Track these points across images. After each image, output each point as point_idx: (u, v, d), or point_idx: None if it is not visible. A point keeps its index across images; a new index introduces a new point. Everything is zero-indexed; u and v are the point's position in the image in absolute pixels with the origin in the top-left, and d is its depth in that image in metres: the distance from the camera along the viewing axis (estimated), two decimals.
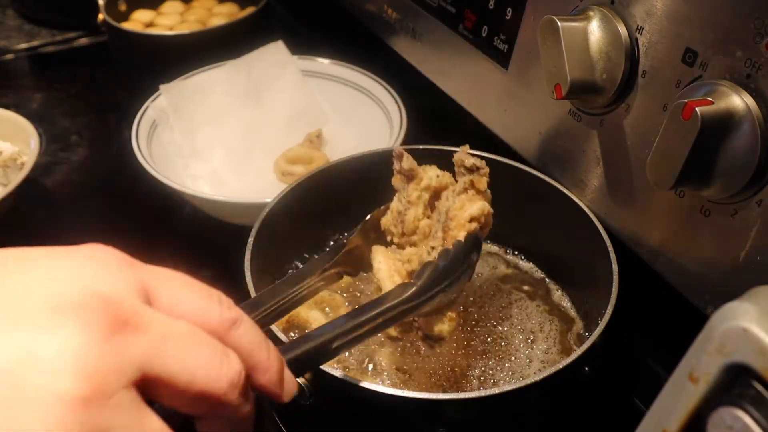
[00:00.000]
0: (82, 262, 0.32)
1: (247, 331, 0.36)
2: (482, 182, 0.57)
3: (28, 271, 0.31)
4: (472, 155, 0.57)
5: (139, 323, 0.31)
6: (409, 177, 0.59)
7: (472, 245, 0.53)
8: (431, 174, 0.59)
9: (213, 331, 0.34)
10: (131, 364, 0.30)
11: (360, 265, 0.59)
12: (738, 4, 0.47)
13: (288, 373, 0.38)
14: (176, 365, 0.31)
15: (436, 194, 0.59)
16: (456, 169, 0.58)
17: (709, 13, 0.49)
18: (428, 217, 0.59)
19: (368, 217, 0.61)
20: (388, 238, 0.61)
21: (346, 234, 0.60)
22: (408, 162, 0.58)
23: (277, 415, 0.61)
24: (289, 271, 0.69)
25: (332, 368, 0.50)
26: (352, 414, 0.53)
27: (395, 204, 0.60)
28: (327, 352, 0.43)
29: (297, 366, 0.39)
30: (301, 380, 0.51)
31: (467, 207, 0.56)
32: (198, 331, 0.33)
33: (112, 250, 0.33)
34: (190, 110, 0.90)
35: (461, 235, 0.54)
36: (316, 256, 0.61)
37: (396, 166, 0.59)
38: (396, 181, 0.60)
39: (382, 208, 0.61)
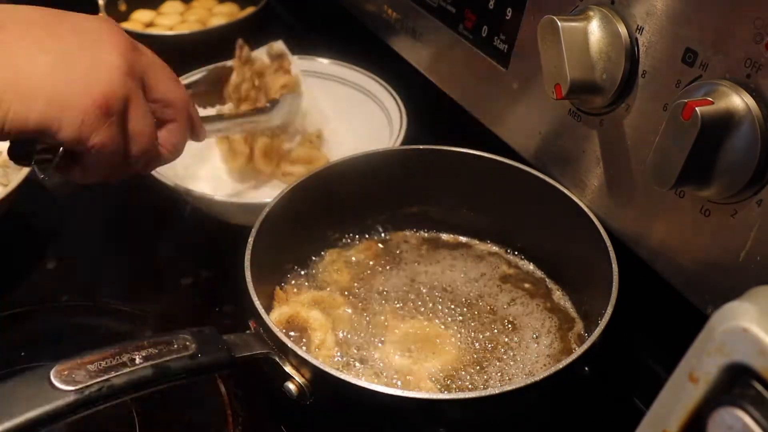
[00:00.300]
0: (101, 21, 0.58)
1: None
2: (286, 63, 0.89)
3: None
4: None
5: (141, 49, 0.58)
6: (245, 61, 0.89)
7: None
8: (259, 64, 0.90)
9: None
10: (140, 67, 0.56)
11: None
12: (738, 4, 0.47)
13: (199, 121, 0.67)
14: (158, 79, 0.58)
15: (260, 75, 0.88)
16: (269, 57, 0.90)
17: (709, 13, 0.49)
18: (254, 87, 0.89)
19: (212, 66, 0.91)
20: (229, 103, 0.89)
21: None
22: (246, 51, 0.89)
23: (278, 415, 0.61)
24: (289, 273, 0.69)
25: (332, 368, 0.51)
26: (352, 414, 0.53)
27: (234, 78, 0.88)
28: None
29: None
30: (301, 380, 0.51)
31: (278, 80, 0.86)
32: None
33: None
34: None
35: (278, 95, 0.84)
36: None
37: (238, 52, 0.89)
38: (236, 63, 0.89)
39: (227, 65, 0.89)
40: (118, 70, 0.52)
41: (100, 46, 0.52)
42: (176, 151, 0.62)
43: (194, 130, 0.64)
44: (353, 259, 0.71)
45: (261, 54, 0.94)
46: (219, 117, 0.79)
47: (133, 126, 0.55)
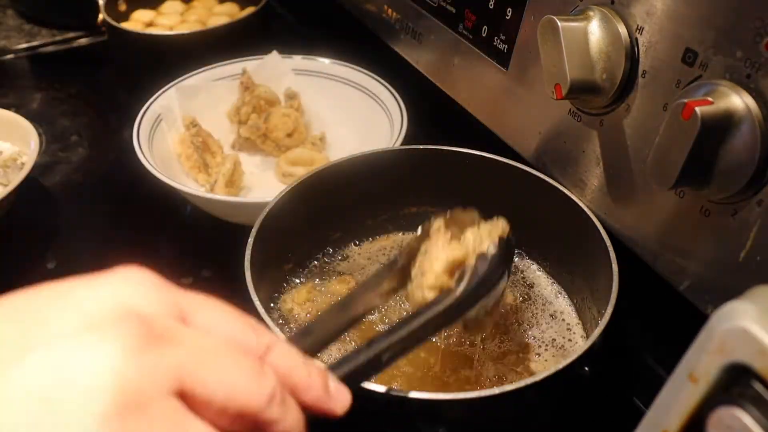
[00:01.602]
0: (116, 283, 0.32)
1: (284, 353, 0.36)
2: (296, 104, 0.92)
3: (64, 297, 0.31)
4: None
5: (173, 337, 0.31)
6: (247, 87, 0.91)
7: (506, 250, 0.52)
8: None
9: (249, 354, 0.34)
10: (166, 374, 0.30)
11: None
12: (738, 4, 0.47)
13: (336, 385, 0.38)
14: (213, 379, 0.31)
15: (264, 101, 0.90)
16: (285, 97, 0.94)
17: (709, 13, 0.49)
18: (254, 110, 0.89)
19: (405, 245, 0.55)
20: (259, 142, 0.88)
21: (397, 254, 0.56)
22: (247, 77, 0.92)
23: None
24: (288, 272, 0.69)
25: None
26: (352, 414, 0.53)
27: (236, 102, 0.93)
28: (378, 365, 0.43)
29: (349, 381, 0.40)
30: None
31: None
32: (232, 347, 0.33)
33: (147, 273, 0.33)
34: (197, 112, 0.90)
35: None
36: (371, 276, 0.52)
37: (242, 78, 0.92)
38: (239, 87, 0.92)
39: (419, 233, 0.55)
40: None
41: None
42: None
43: (324, 408, 0.37)
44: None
45: (257, 67, 0.95)
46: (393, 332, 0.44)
47: None
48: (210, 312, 0.35)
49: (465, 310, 0.48)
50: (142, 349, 0.29)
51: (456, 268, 0.50)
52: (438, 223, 0.52)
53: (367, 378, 0.43)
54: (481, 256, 0.50)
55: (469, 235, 0.52)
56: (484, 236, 0.52)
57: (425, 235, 0.52)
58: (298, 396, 0.35)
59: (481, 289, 0.49)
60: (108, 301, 0.31)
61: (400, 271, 0.51)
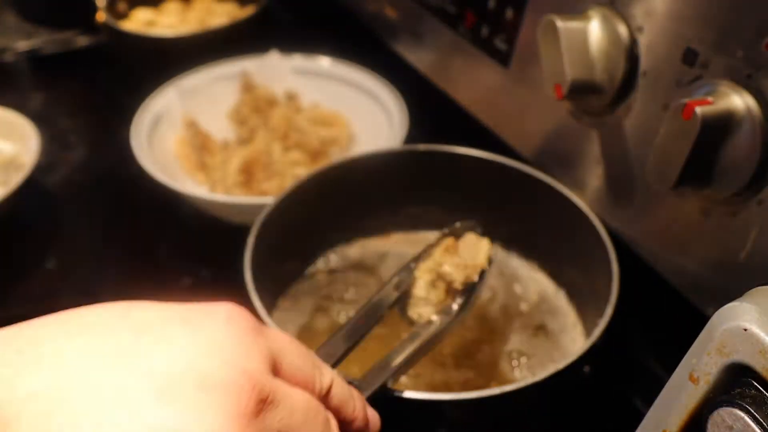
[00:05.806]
0: (219, 331, 0.32)
1: (338, 391, 0.39)
2: (297, 103, 0.90)
3: (166, 341, 0.31)
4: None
5: (275, 399, 0.32)
6: (247, 88, 0.92)
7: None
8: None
9: (317, 396, 0.37)
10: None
11: None
12: (738, 3, 0.47)
13: (371, 412, 0.42)
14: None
15: (264, 102, 0.90)
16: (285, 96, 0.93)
17: (709, 13, 0.49)
18: (254, 111, 0.89)
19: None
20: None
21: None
22: (247, 79, 0.93)
23: None
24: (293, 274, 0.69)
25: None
26: None
27: (236, 103, 0.92)
28: (393, 380, 0.47)
29: (374, 400, 0.44)
30: None
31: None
32: (313, 403, 0.36)
33: (244, 315, 0.34)
34: (197, 112, 0.90)
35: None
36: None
37: (241, 80, 0.92)
38: (239, 88, 0.93)
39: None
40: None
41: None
42: None
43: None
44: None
45: (257, 67, 0.95)
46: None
47: None
48: (291, 356, 0.36)
49: (456, 323, 0.52)
50: (253, 416, 0.31)
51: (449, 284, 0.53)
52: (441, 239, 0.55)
53: (386, 393, 0.47)
54: (482, 273, 0.53)
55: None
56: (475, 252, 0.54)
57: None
58: (344, 428, 0.40)
59: (470, 303, 0.53)
60: (216, 358, 0.31)
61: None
